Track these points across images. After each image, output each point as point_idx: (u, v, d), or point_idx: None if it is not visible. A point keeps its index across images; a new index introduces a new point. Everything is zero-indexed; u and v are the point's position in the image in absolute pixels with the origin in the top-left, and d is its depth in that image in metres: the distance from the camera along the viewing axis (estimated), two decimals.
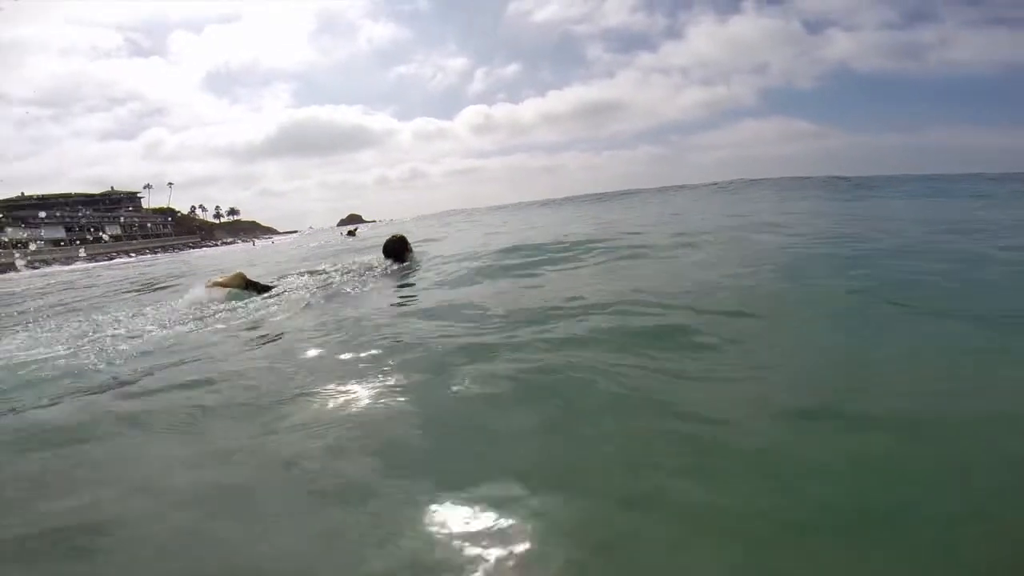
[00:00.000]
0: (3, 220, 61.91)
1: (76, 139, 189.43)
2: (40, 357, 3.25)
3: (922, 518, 1.22)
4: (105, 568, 1.32)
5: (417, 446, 1.74)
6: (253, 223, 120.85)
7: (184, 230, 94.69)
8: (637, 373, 2.12)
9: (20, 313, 6.56)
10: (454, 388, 2.13)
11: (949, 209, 9.08)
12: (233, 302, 4.50)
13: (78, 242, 67.72)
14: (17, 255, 52.13)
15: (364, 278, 5.18)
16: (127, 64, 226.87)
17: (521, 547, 1.22)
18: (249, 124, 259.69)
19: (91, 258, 50.83)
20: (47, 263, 46.26)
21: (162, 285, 8.87)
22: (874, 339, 2.36)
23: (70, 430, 2.09)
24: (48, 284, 14.22)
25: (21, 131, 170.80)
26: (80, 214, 75.62)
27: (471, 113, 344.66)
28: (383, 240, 6.27)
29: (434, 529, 1.31)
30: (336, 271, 5.75)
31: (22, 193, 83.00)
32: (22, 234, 62.29)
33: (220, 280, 4.86)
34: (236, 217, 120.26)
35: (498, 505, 1.35)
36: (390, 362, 2.50)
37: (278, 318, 3.89)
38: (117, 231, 78.98)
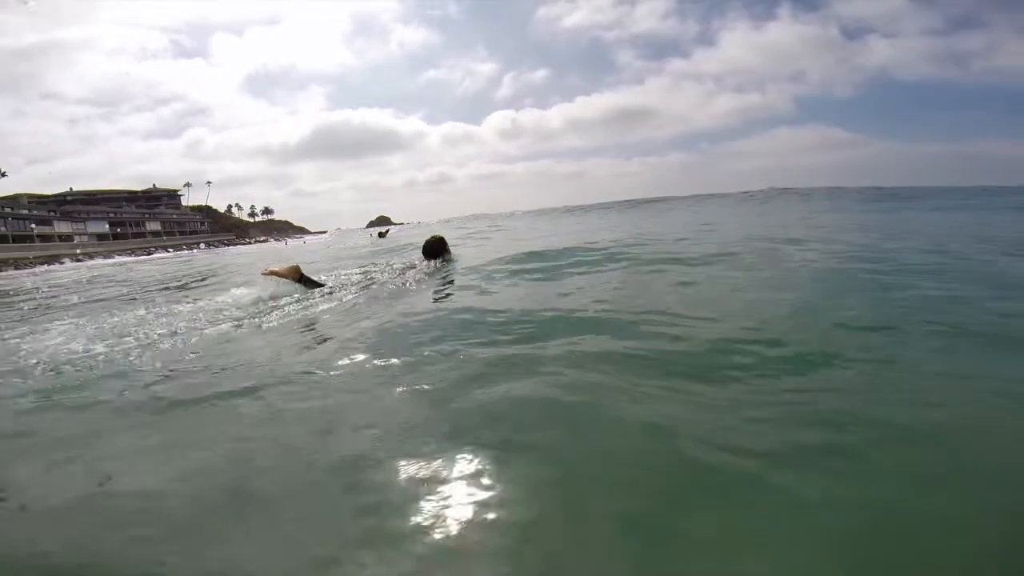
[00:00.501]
0: (52, 215, 64.83)
1: (123, 137, 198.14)
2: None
3: None
4: None
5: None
6: (286, 223, 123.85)
7: (220, 228, 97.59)
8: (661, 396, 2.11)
9: (68, 306, 6.90)
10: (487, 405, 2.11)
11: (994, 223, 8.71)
12: (285, 299, 4.63)
13: (120, 237, 70.45)
14: (64, 249, 54.59)
15: (406, 278, 5.36)
16: (172, 65, 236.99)
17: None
18: (285, 126, 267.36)
19: (131, 252, 52.87)
20: (90, 256, 48.21)
21: (198, 283, 9.19)
22: (909, 368, 2.27)
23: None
24: (94, 276, 14.83)
25: (72, 130, 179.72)
26: (123, 210, 78.72)
27: (498, 118, 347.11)
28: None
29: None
30: (379, 270, 6.00)
31: (70, 189, 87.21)
32: (68, 228, 65.12)
33: (276, 270, 4.99)
34: (270, 217, 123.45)
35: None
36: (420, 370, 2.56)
37: (327, 318, 4.00)
38: (157, 227, 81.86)
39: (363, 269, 6.23)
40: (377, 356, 2.81)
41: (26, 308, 6.98)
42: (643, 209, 25.22)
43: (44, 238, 58.69)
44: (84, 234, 66.87)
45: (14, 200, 65.44)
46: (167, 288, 8.57)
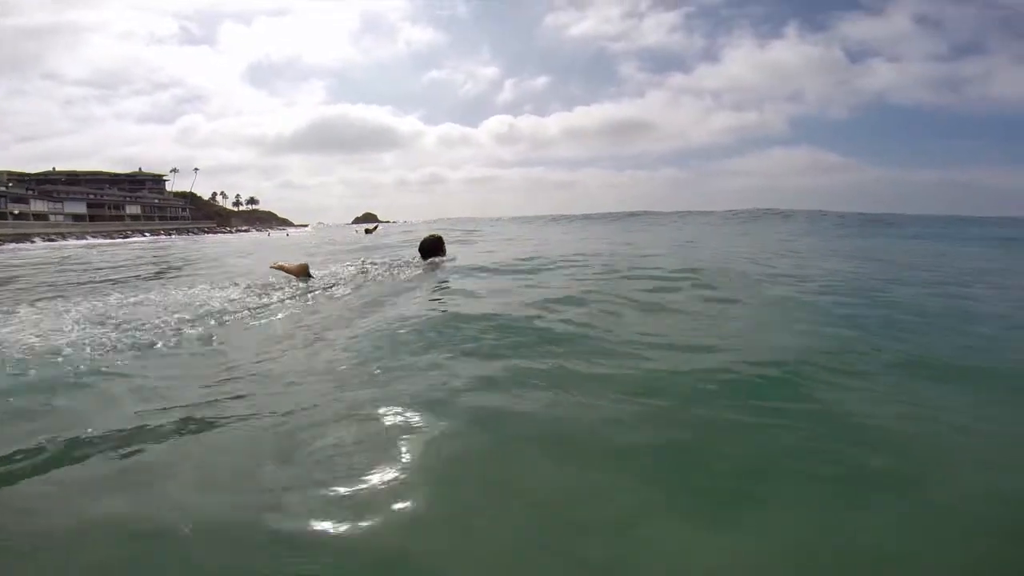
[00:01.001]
0: (29, 193, 63.23)
1: (117, 120, 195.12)
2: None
3: None
4: None
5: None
6: (270, 213, 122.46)
7: (202, 215, 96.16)
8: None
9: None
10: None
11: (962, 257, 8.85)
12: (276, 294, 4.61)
13: (97, 219, 68.96)
14: (38, 228, 53.21)
15: (400, 275, 5.40)
16: (177, 51, 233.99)
17: None
18: (282, 117, 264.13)
19: (107, 235, 51.77)
20: (63, 236, 47.10)
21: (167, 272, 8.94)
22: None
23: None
24: (64, 256, 14.41)
25: (67, 110, 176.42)
26: (103, 192, 77.15)
27: (496, 122, 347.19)
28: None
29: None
30: (376, 266, 5.94)
31: (53, 168, 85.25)
32: (44, 207, 63.58)
33: (284, 265, 5.34)
34: (254, 207, 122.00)
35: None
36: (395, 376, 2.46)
37: (319, 315, 3.92)
38: (137, 211, 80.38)
39: (360, 266, 6.09)
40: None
41: None
42: (627, 222, 25.38)
43: (19, 216, 57.19)
44: (60, 214, 65.34)
45: None
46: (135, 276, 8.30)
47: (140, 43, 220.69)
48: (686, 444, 1.84)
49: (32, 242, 42.06)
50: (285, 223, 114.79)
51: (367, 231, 22.90)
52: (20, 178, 72.76)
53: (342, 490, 1.52)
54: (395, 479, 1.57)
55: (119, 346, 3.00)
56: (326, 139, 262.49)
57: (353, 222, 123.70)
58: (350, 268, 5.90)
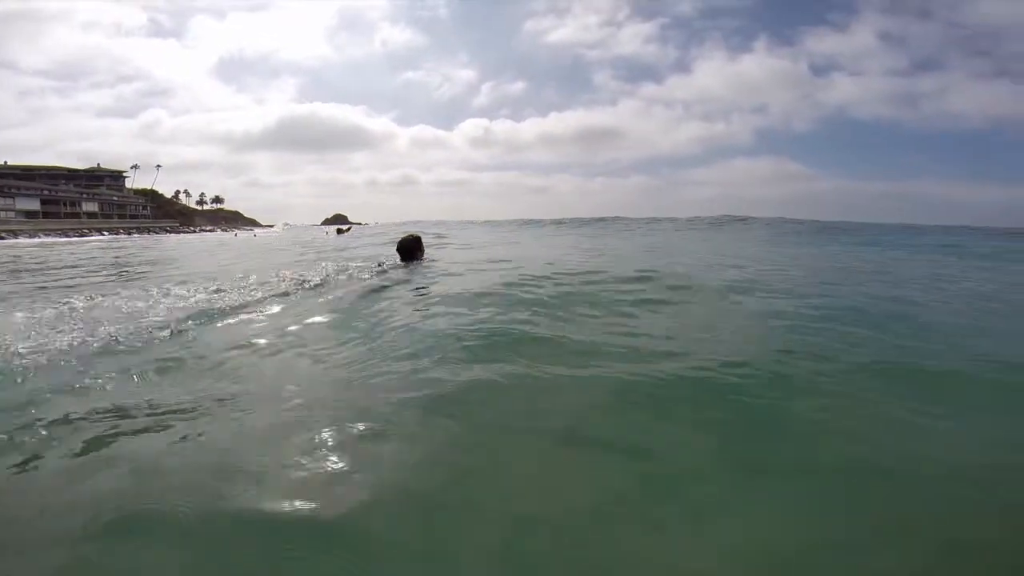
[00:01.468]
0: None
1: (75, 113, 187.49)
2: None
3: None
4: None
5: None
6: (236, 213, 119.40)
7: (164, 214, 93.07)
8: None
9: None
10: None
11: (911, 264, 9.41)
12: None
13: (51, 216, 66.10)
14: None
15: (379, 277, 5.42)
16: (144, 44, 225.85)
17: None
18: (250, 114, 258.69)
19: (62, 233, 49.71)
20: (14, 234, 45.04)
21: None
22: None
23: None
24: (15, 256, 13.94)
25: (21, 101, 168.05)
26: (58, 188, 73.94)
27: (471, 126, 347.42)
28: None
29: None
30: (354, 268, 6.02)
31: (5, 162, 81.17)
32: None
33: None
34: (219, 206, 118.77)
35: None
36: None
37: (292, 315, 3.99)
38: (94, 208, 77.25)
39: (341, 267, 6.19)
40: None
41: None
42: (595, 227, 25.86)
43: None
44: (11, 210, 62.33)
45: None
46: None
47: (105, 34, 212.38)
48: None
49: None
50: (252, 223, 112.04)
51: (339, 231, 22.82)
52: None
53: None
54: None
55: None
56: (296, 137, 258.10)
57: (323, 223, 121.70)
58: (332, 270, 5.96)
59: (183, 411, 2.23)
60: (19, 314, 3.94)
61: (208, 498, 1.60)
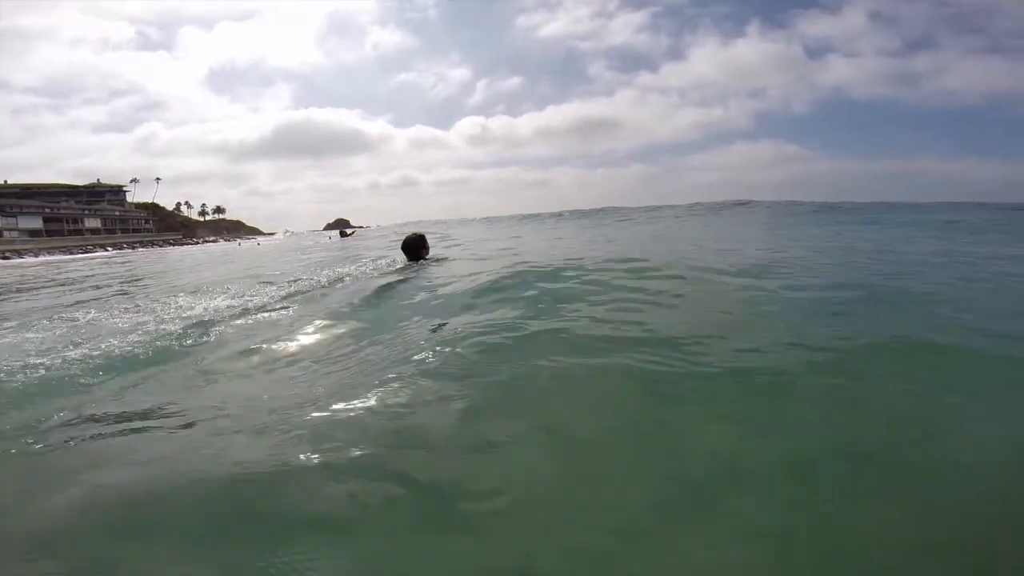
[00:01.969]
0: None
1: (70, 130, 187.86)
2: None
3: None
4: None
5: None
6: (238, 222, 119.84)
7: (166, 227, 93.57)
8: None
9: None
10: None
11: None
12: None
13: (54, 234, 66.55)
14: None
15: (387, 277, 5.47)
16: (133, 57, 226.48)
17: None
18: (246, 123, 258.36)
19: (67, 251, 50.06)
20: (19, 254, 45.37)
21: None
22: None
23: None
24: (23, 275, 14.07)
25: (16, 119, 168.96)
26: (60, 205, 74.40)
27: (468, 124, 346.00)
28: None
29: None
30: (360, 270, 6.18)
31: (4, 181, 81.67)
32: None
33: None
34: (221, 216, 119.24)
35: None
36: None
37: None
38: (97, 224, 77.75)
39: (352, 268, 6.32)
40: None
41: None
42: (595, 218, 25.82)
43: None
44: (15, 229, 62.82)
45: None
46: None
47: (92, 50, 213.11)
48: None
49: None
50: (255, 232, 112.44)
51: (342, 235, 23.23)
52: None
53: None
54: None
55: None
56: (293, 144, 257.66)
57: (325, 228, 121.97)
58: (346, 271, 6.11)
59: (197, 409, 2.30)
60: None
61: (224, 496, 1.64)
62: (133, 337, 3.55)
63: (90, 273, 12.78)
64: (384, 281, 5.15)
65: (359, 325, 3.59)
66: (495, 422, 2.01)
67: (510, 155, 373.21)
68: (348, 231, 24.85)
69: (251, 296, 5.05)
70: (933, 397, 2.15)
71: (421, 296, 4.35)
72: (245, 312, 4.29)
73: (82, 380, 2.80)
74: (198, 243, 67.93)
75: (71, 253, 45.62)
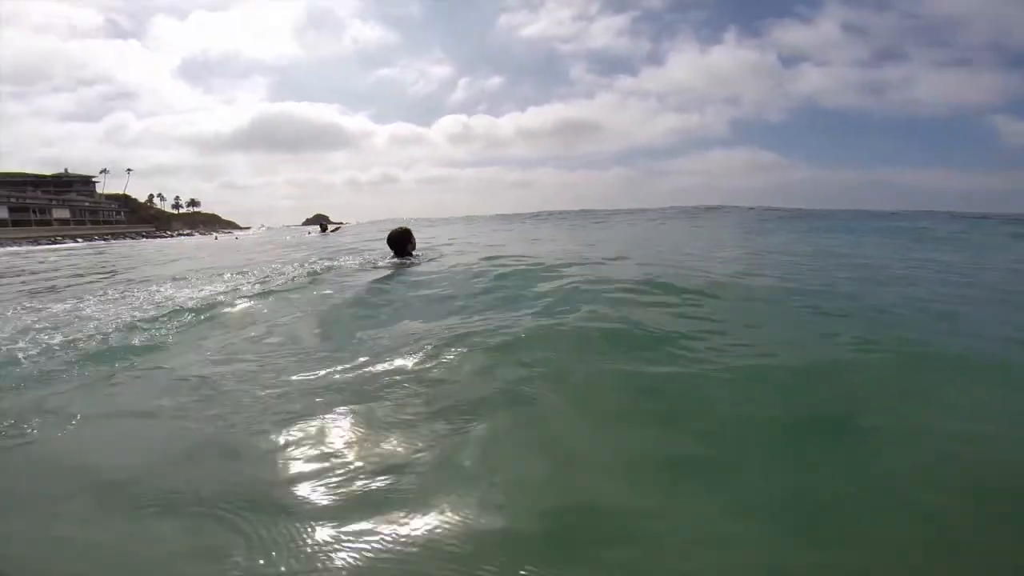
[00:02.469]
0: None
1: (35, 118, 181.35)
2: None
3: None
4: None
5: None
6: (213, 216, 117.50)
7: (138, 219, 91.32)
8: None
9: None
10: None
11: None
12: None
13: (20, 224, 64.35)
14: None
15: (373, 273, 5.50)
16: (102, 45, 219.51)
17: None
18: (220, 115, 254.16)
19: (34, 241, 48.58)
20: None
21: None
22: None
23: None
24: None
25: None
26: (26, 195, 71.98)
27: (450, 122, 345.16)
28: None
29: None
30: (349, 263, 6.27)
31: None
32: None
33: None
34: (196, 209, 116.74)
35: None
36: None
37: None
38: (66, 215, 75.45)
39: (330, 266, 6.29)
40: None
41: None
42: (575, 219, 26.07)
43: None
44: None
45: None
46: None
47: (59, 36, 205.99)
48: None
49: None
50: (231, 226, 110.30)
51: (323, 229, 22.45)
52: None
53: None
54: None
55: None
56: (270, 138, 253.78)
57: (304, 223, 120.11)
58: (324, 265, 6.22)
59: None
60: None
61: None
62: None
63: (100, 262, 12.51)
64: (371, 277, 5.24)
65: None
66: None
67: (492, 155, 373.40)
68: (332, 226, 24.20)
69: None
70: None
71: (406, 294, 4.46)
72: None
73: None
74: (172, 236, 66.47)
75: (37, 244, 44.29)
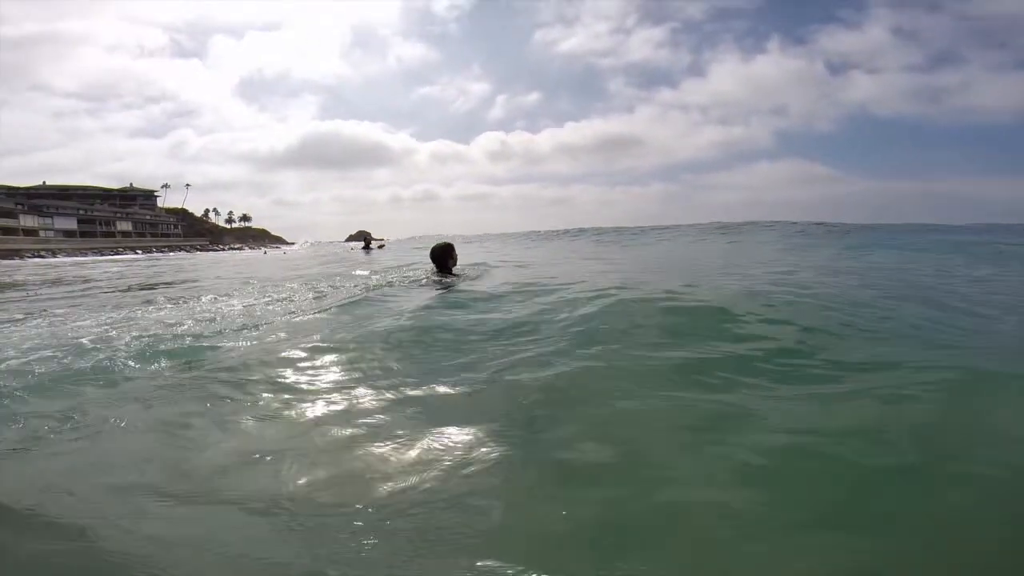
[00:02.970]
0: (18, 208, 63.14)
1: (107, 134, 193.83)
2: None
3: None
4: None
5: None
6: (263, 231, 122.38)
7: (194, 232, 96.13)
8: None
9: None
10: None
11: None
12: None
13: (88, 235, 68.84)
14: (27, 243, 53.03)
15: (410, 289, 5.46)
16: (168, 64, 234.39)
17: None
18: (273, 132, 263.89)
19: (98, 252, 51.73)
20: (53, 253, 46.99)
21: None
22: None
23: None
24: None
25: (56, 123, 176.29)
26: (94, 208, 77.07)
27: (488, 139, 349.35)
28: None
29: None
30: (388, 281, 6.18)
31: (43, 183, 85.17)
32: (34, 223, 63.47)
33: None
34: (248, 224, 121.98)
35: None
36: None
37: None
38: (128, 227, 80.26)
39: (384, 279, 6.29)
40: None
41: None
42: (611, 236, 25.71)
43: (7, 231, 57.00)
44: (51, 229, 65.27)
45: None
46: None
47: (130, 56, 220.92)
48: None
49: (21, 258, 41.93)
50: (279, 241, 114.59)
51: (367, 247, 20.53)
52: (9, 192, 72.45)
53: None
54: None
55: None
56: (319, 155, 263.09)
57: (347, 239, 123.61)
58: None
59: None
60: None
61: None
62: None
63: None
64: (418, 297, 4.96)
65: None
66: None
67: (530, 171, 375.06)
68: (376, 243, 22.53)
69: None
70: None
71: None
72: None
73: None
74: (224, 249, 69.56)
75: (101, 254, 47.09)
